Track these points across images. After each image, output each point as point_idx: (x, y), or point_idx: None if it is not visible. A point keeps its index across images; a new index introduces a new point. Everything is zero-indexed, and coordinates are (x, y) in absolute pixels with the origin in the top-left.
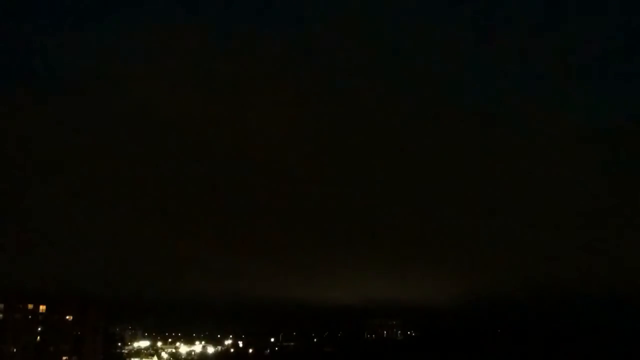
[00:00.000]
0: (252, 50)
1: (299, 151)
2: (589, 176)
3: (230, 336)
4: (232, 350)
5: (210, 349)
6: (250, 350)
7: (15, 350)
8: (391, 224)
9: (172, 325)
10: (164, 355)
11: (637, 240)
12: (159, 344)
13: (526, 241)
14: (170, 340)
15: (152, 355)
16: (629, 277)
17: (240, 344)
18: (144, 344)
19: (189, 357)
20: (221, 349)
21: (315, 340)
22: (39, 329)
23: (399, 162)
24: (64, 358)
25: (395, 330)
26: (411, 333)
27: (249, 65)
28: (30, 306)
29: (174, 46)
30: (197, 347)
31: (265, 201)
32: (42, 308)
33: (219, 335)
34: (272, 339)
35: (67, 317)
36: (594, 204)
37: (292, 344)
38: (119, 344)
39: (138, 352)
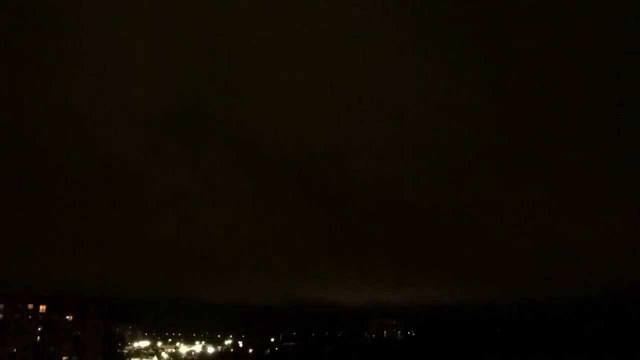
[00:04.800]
0: None
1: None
2: None
3: (230, 336)
4: (232, 350)
5: (210, 349)
6: (250, 350)
7: (15, 350)
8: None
9: (172, 325)
10: (164, 355)
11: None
12: (159, 344)
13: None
14: (170, 340)
15: (152, 355)
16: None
17: (240, 344)
18: (144, 344)
19: (189, 357)
20: (221, 349)
21: (315, 340)
22: (39, 329)
23: None
24: (64, 358)
25: (395, 330)
26: (411, 333)
27: None
28: (30, 306)
29: None
30: (197, 347)
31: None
32: (42, 308)
33: (219, 335)
34: (272, 339)
35: (67, 317)
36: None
37: (292, 344)
38: (119, 344)
39: (138, 352)
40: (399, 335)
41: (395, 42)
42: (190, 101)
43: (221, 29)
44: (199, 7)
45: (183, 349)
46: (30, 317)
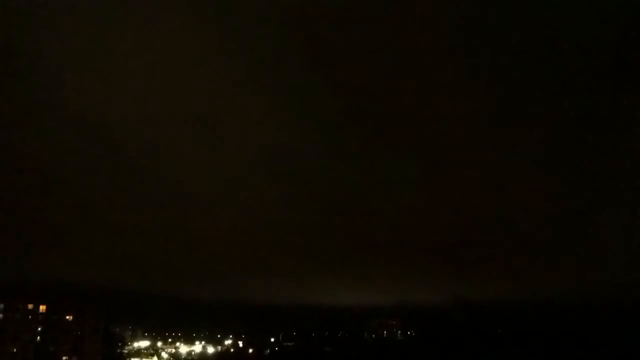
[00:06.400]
0: None
1: None
2: None
3: (230, 336)
4: (232, 350)
5: (210, 349)
6: (250, 350)
7: (15, 350)
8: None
9: (172, 325)
10: (164, 355)
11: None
12: (159, 344)
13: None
14: (170, 340)
15: (152, 355)
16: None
17: (240, 344)
18: (144, 344)
19: (189, 357)
20: (221, 349)
21: (315, 340)
22: (39, 329)
23: None
24: (64, 358)
25: (395, 330)
26: (411, 333)
27: None
28: (30, 306)
29: None
30: (197, 347)
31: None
32: (42, 308)
33: (219, 335)
34: (272, 339)
35: (67, 317)
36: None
37: (292, 344)
38: (119, 344)
39: (138, 352)
40: (399, 335)
41: None
42: None
43: None
44: None
45: (183, 349)
46: (30, 317)
